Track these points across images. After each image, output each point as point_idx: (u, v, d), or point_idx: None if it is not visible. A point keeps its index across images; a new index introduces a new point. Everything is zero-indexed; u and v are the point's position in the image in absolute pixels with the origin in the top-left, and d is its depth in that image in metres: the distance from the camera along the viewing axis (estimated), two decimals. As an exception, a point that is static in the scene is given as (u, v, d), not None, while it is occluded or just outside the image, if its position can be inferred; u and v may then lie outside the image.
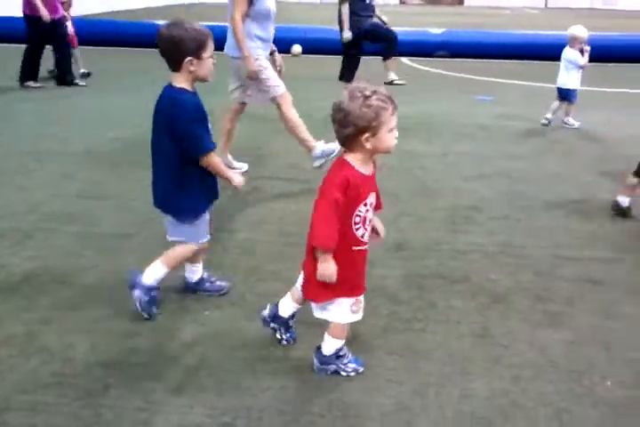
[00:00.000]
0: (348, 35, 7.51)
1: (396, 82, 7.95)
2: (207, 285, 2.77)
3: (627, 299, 2.83)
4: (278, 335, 2.41)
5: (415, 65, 10.24)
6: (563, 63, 6.09)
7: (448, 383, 2.21)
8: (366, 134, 1.92)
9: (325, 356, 2.24)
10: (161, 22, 11.55)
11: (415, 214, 3.80)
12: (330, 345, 2.23)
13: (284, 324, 2.39)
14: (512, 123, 6.24)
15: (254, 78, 4.11)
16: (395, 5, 29.06)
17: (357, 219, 2.03)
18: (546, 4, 29.22)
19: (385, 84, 7.48)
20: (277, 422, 2.01)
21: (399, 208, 3.84)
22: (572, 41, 6.01)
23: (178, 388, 2.15)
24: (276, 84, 4.18)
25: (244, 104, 4.43)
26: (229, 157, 4.49)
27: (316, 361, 2.26)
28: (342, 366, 2.24)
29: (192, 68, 2.34)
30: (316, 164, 4.20)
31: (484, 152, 5.19)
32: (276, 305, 2.39)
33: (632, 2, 28.07)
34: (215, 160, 2.45)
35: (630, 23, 18.75)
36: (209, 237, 2.64)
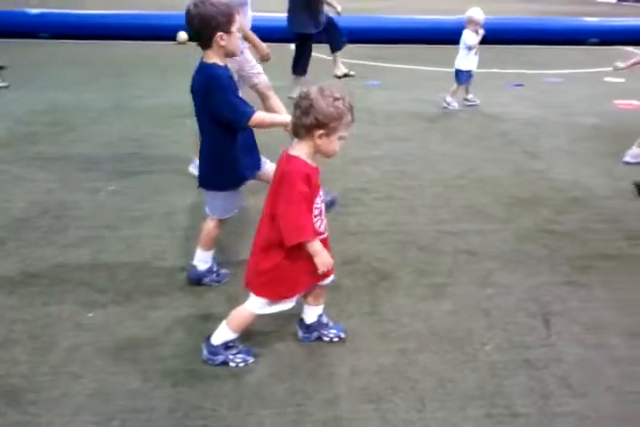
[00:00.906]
0: (339, 8, 6.98)
1: (351, 73, 7.68)
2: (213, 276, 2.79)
3: (502, 267, 3.02)
4: (326, 338, 2.40)
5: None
6: (460, 45, 6.30)
7: (339, 362, 2.26)
8: (321, 131, 1.98)
9: (214, 346, 2.22)
10: (34, 10, 10.91)
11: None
12: (221, 335, 2.22)
13: (322, 326, 2.40)
14: (397, 106, 6.42)
15: (268, 59, 4.12)
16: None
17: (316, 211, 2.09)
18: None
19: (336, 77, 7.33)
20: (168, 421, 1.97)
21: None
22: (469, 23, 6.21)
23: (60, 396, 2.05)
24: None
25: None
26: None
27: (205, 351, 2.24)
28: (231, 357, 2.24)
29: (222, 43, 2.38)
30: None
31: (372, 135, 5.31)
32: (301, 320, 2.40)
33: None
34: (261, 118, 2.46)
35: (508, 7, 19.78)
36: (233, 212, 2.72)
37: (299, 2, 6.51)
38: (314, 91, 1.99)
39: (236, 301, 2.43)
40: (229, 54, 2.47)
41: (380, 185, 4.13)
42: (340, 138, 2.03)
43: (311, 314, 2.37)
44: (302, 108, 1.98)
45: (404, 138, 5.24)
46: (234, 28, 2.39)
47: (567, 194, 4.01)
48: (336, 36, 7.26)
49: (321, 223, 2.13)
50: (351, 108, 2.01)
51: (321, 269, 2.10)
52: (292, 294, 2.18)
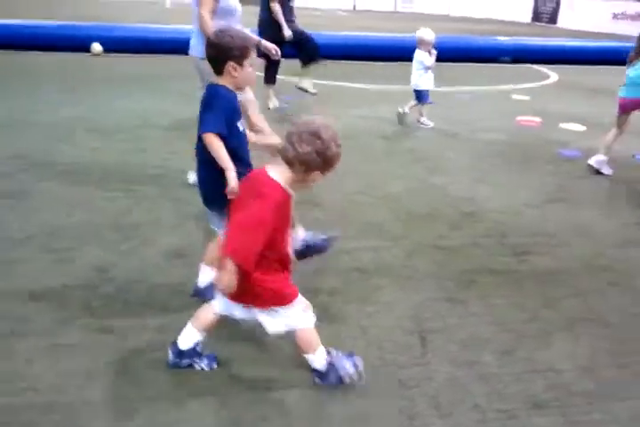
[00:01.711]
0: (288, 33, 6.91)
1: (310, 91, 7.42)
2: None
3: (388, 284, 3.02)
4: (198, 367, 2.30)
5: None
6: (414, 65, 6.40)
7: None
8: (318, 172, 2.02)
9: (320, 371, 2.22)
10: None
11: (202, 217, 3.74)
12: (317, 361, 2.22)
13: (194, 353, 2.29)
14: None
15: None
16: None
17: (289, 238, 2.15)
18: (354, 7, 30.83)
19: (298, 88, 7.22)
20: None
21: (185, 212, 3.77)
22: (420, 44, 6.33)
23: None
24: None
25: None
26: None
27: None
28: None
29: (235, 74, 2.46)
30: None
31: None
32: (174, 344, 2.28)
33: (426, 4, 30.72)
34: (210, 142, 2.37)
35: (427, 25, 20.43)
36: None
37: (269, 12, 6.63)
38: (325, 131, 2.01)
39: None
40: (238, 87, 2.53)
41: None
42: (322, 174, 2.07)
43: (189, 339, 2.27)
44: (316, 147, 1.98)
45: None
46: (246, 62, 2.47)
47: (462, 209, 4.10)
48: (309, 51, 7.11)
49: (290, 249, 2.20)
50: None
51: (219, 285, 2.03)
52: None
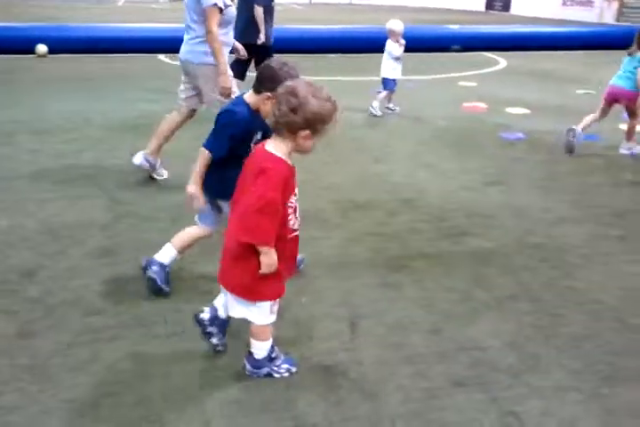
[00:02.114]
0: (263, 39, 6.83)
1: None
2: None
3: (324, 274, 3.02)
4: (215, 341, 2.31)
5: (170, 61, 10.08)
6: (384, 55, 6.52)
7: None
8: (307, 131, 1.88)
9: (258, 360, 2.20)
10: None
11: (135, 215, 3.69)
12: (259, 348, 2.19)
13: (222, 326, 2.31)
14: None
15: (227, 96, 3.89)
16: (164, 2, 28.48)
17: (290, 210, 2.02)
18: (310, 0, 30.75)
19: None
20: None
21: (119, 211, 3.72)
22: (390, 34, 6.45)
23: None
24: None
25: (194, 111, 4.25)
26: (159, 160, 4.35)
27: (248, 366, 2.22)
28: (275, 368, 2.22)
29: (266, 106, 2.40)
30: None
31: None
32: (214, 307, 2.29)
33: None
34: (199, 159, 2.51)
35: (381, 17, 20.50)
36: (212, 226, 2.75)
37: (247, 14, 6.50)
38: (302, 87, 1.87)
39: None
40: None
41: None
42: (320, 138, 1.95)
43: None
44: (290, 105, 1.85)
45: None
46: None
47: (402, 196, 4.12)
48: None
49: (295, 221, 2.07)
50: (337, 109, 1.93)
51: (263, 269, 1.99)
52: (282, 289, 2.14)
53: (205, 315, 2.30)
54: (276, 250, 2.00)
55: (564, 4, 21.48)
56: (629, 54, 5.09)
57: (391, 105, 6.72)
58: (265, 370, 2.22)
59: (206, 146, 2.50)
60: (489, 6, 25.83)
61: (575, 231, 3.56)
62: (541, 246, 3.36)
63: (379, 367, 2.29)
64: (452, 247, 3.35)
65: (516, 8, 23.96)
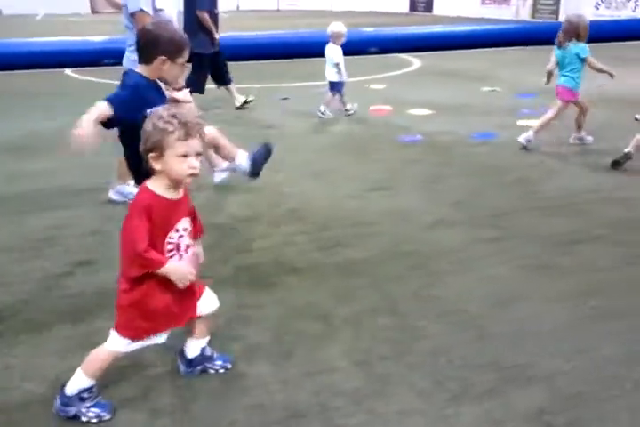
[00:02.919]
0: (217, 48, 6.63)
1: (249, 100, 7.11)
2: None
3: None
4: (212, 370, 2.26)
5: (80, 76, 9.70)
6: (328, 59, 6.48)
7: None
8: (152, 154, 1.87)
9: (67, 396, 2.01)
10: None
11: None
12: (76, 383, 2.01)
13: (206, 359, 2.25)
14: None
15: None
16: (86, 15, 27.68)
17: (170, 246, 1.94)
18: (238, 7, 30.47)
19: (238, 108, 6.95)
20: None
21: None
22: (333, 37, 6.44)
23: None
24: None
25: None
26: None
27: (57, 401, 2.03)
28: (84, 410, 2.01)
29: (163, 67, 2.43)
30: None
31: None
32: (182, 353, 2.23)
33: (310, 1, 30.88)
34: (92, 108, 2.36)
35: (299, 22, 20.47)
36: None
37: (195, 23, 6.48)
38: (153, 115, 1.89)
39: None
40: (163, 81, 2.51)
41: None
42: (180, 155, 1.85)
43: (194, 348, 2.22)
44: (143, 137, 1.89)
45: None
46: (179, 60, 2.44)
47: (286, 207, 3.98)
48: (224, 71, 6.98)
49: (179, 259, 1.97)
50: (184, 125, 1.85)
51: (180, 284, 1.93)
52: (161, 329, 2.02)
53: (182, 368, 2.25)
54: (159, 291, 1.94)
55: (483, 2, 21.94)
56: (559, 45, 5.12)
57: (348, 106, 6.62)
58: (72, 410, 2.01)
59: (106, 98, 2.35)
60: (412, 7, 26.16)
61: (450, 235, 3.48)
62: (414, 254, 3.26)
63: (213, 402, 2.12)
64: (325, 259, 3.21)
65: (438, 8, 24.35)
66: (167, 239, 1.93)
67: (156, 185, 1.92)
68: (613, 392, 2.14)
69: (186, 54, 2.48)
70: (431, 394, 2.14)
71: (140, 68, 2.47)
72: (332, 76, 6.55)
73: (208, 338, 2.26)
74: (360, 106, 7.05)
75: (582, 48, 5.06)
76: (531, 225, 3.63)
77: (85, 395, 2.02)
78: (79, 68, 10.04)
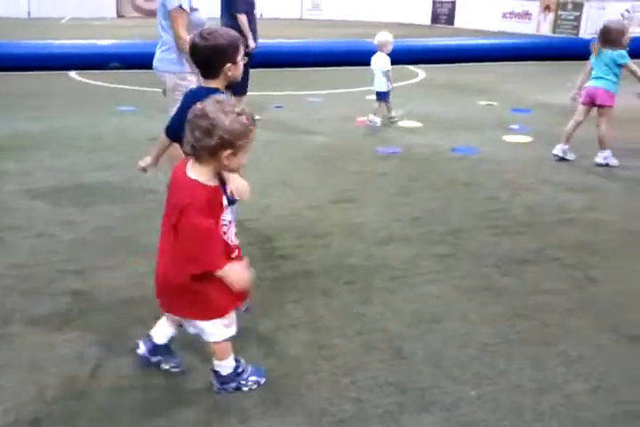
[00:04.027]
0: (253, 44, 6.47)
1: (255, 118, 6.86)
2: None
3: (111, 311, 2.81)
4: (166, 366, 2.28)
5: (83, 79, 9.82)
6: (375, 68, 6.61)
7: None
8: (228, 151, 1.80)
9: (224, 376, 2.15)
10: None
11: None
12: (222, 367, 2.15)
13: (166, 350, 2.29)
14: (135, 134, 6.17)
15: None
16: (112, 19, 28.17)
17: (225, 228, 1.97)
18: (261, 15, 30.68)
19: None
20: None
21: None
22: (381, 46, 6.61)
23: None
24: None
25: None
26: None
27: (215, 382, 2.17)
28: (243, 382, 2.17)
29: (229, 73, 2.51)
30: None
31: (103, 161, 5.01)
32: (149, 337, 2.28)
33: (334, 11, 31.00)
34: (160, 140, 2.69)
35: (310, 32, 20.53)
36: None
37: (233, 26, 6.09)
38: (211, 107, 1.79)
39: None
40: (231, 82, 2.58)
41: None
42: (247, 152, 1.87)
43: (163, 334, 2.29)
44: (203, 128, 1.78)
45: (110, 165, 4.96)
46: (239, 58, 2.52)
47: (240, 217, 3.90)
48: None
49: (230, 236, 2.01)
50: (254, 121, 1.87)
51: (237, 287, 1.94)
52: (239, 302, 2.11)
53: (141, 350, 2.28)
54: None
55: (504, 16, 21.79)
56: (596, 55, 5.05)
57: (392, 114, 6.78)
58: (232, 385, 2.17)
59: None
60: (434, 20, 26.09)
61: (398, 251, 3.40)
62: (355, 269, 3.18)
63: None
64: (262, 272, 3.12)
65: (460, 21, 24.23)
66: (221, 222, 1.95)
67: (202, 176, 1.87)
68: (512, 422, 2.04)
69: (242, 50, 2.55)
70: (323, 415, 2.07)
71: (209, 83, 2.54)
72: (381, 86, 6.66)
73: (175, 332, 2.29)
74: (349, 117, 7.01)
75: (620, 53, 4.93)
76: (484, 244, 3.53)
77: (240, 370, 2.17)
78: (84, 71, 10.21)
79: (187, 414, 2.06)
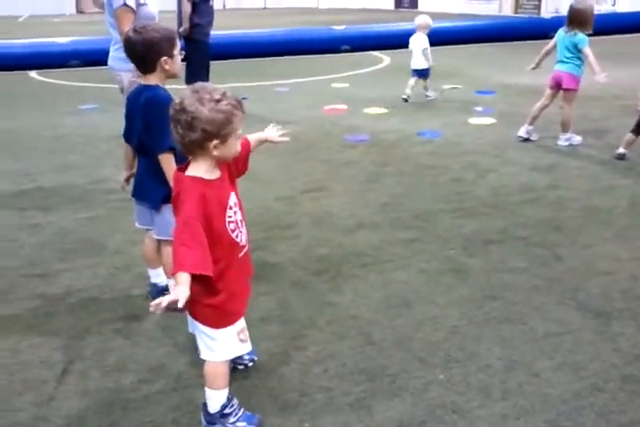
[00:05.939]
0: (182, 29, 6.35)
1: None
2: None
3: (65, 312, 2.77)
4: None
5: (44, 78, 9.61)
6: (415, 47, 7.05)
7: None
8: (215, 141, 1.70)
9: (211, 414, 1.94)
10: None
11: None
12: (213, 399, 1.94)
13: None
14: (97, 132, 6.08)
15: None
16: (71, 15, 27.57)
17: (232, 225, 1.83)
18: (224, 6, 30.32)
19: None
20: None
21: None
22: (421, 27, 7.09)
23: None
24: None
25: None
26: None
27: (203, 420, 1.97)
28: (229, 426, 1.94)
29: (167, 67, 2.42)
30: None
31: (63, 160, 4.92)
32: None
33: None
34: (167, 161, 2.39)
35: (280, 20, 20.36)
36: None
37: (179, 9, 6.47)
38: (189, 99, 1.68)
39: None
40: (171, 77, 2.50)
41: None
42: (239, 136, 1.78)
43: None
44: (183, 123, 1.68)
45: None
46: (176, 52, 2.45)
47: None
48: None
49: (240, 235, 1.87)
50: (239, 103, 1.74)
51: (164, 302, 1.56)
52: (241, 310, 1.95)
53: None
54: (229, 274, 1.84)
55: (467, -2, 21.90)
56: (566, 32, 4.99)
57: (429, 92, 7.21)
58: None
59: (168, 146, 2.33)
60: (398, 4, 26.08)
61: (367, 238, 3.42)
62: (325, 258, 3.19)
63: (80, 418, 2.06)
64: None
65: (424, 5, 24.24)
66: (227, 219, 1.82)
67: (199, 170, 1.77)
68: (480, 402, 2.07)
69: (178, 43, 2.48)
70: (295, 407, 2.08)
71: (147, 79, 2.45)
72: (420, 63, 7.02)
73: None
74: (316, 105, 6.99)
75: (582, 39, 4.90)
76: (450, 226, 3.56)
77: (227, 410, 1.94)
78: (44, 71, 9.99)
79: (156, 414, 2.05)
